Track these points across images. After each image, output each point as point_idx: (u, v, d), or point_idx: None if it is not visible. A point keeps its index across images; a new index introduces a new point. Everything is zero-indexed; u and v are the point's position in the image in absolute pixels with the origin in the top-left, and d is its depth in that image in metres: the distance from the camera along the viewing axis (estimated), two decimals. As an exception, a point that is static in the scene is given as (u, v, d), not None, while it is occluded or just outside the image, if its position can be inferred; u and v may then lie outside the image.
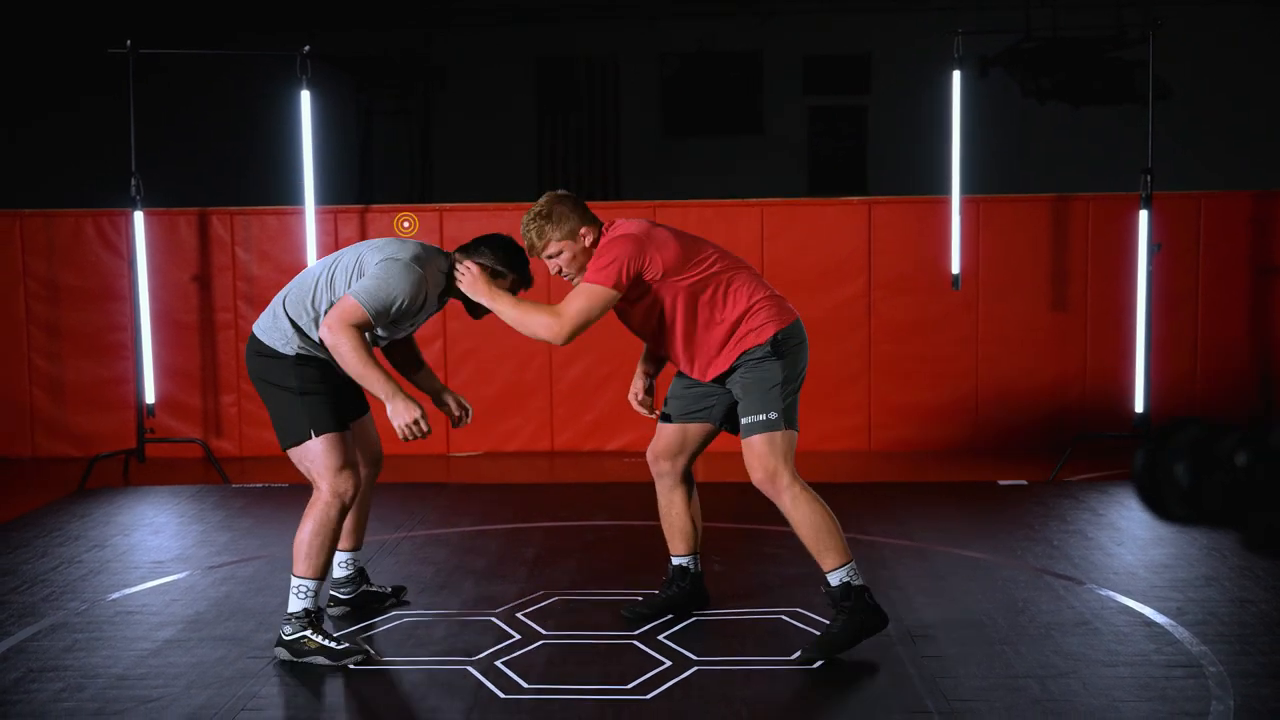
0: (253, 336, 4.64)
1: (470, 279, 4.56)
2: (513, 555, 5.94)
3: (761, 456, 4.44)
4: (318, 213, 8.37)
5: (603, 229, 4.57)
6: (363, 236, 8.62)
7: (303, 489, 6.10)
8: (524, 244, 4.60)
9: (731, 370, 4.56)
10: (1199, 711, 3.96)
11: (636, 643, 4.66)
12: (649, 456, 4.89)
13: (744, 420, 4.49)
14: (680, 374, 4.80)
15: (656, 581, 5.39)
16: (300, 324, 4.54)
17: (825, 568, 4.49)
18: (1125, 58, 13.94)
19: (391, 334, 4.67)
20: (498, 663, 4.47)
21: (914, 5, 14.66)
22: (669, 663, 4.45)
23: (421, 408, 4.44)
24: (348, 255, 4.59)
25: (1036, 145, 14.16)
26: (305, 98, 8.10)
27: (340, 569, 5.04)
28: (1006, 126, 13.54)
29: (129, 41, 7.72)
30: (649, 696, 4.15)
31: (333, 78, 10.15)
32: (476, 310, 4.70)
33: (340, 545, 5.00)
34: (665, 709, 4.06)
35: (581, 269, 4.55)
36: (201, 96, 14.04)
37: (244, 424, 8.72)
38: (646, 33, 15.01)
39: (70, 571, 5.72)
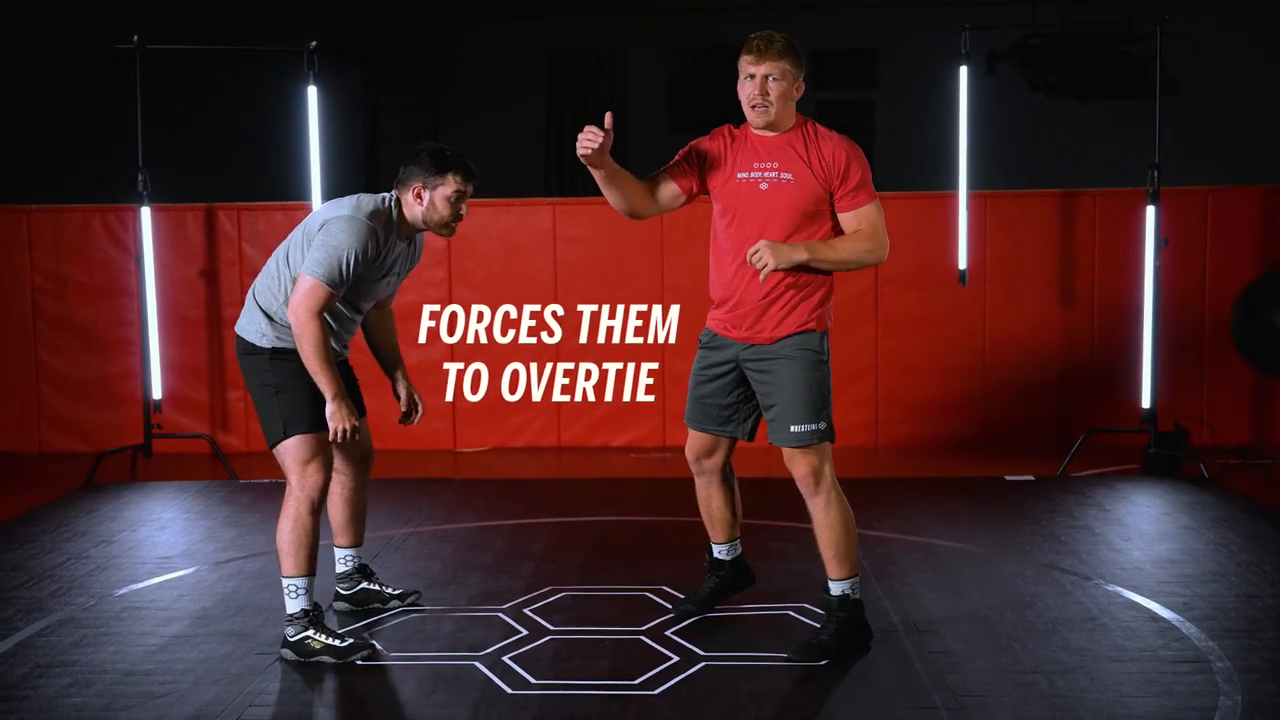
0: (236, 336, 4.66)
1: (772, 252, 4.24)
2: (519, 550, 5.94)
3: (809, 456, 4.39)
4: (324, 208, 8.37)
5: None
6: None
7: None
8: (759, 42, 4.40)
9: (778, 344, 4.40)
10: (1207, 706, 3.95)
11: (644, 638, 4.66)
12: (688, 455, 4.77)
13: (795, 428, 4.36)
14: (699, 375, 4.63)
15: (664, 577, 5.40)
16: (271, 312, 4.55)
17: (832, 575, 4.47)
18: (1134, 53, 13.91)
19: (366, 296, 4.62)
20: (505, 658, 4.47)
21: (922, 0, 14.63)
22: (676, 658, 4.44)
23: (357, 420, 4.49)
24: (297, 232, 4.59)
25: (1043, 141, 14.13)
26: (312, 93, 8.10)
27: (340, 565, 5.04)
28: (1013, 122, 13.51)
29: (136, 37, 7.72)
30: (657, 692, 4.15)
31: (341, 75, 10.15)
32: (446, 229, 4.61)
33: (338, 542, 5.01)
34: (673, 704, 4.06)
35: (779, 110, 4.38)
36: (209, 93, 14.04)
37: (251, 419, 8.70)
38: (655, 28, 14.99)
39: (77, 567, 5.73)
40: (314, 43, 8.02)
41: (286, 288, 4.51)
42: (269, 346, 4.54)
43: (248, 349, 4.60)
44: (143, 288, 8.00)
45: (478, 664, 4.42)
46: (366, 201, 4.51)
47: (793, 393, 4.38)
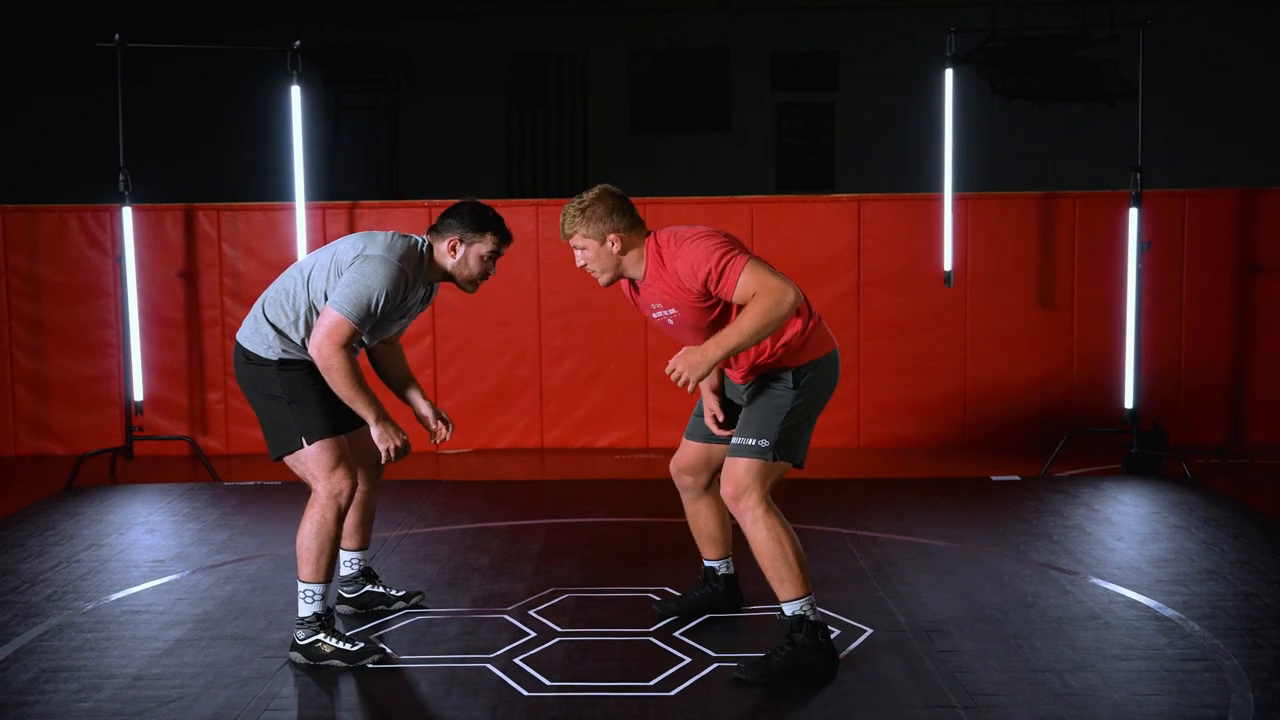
0: (238, 345, 4.62)
1: (686, 365, 4.17)
2: (517, 552, 5.93)
3: (736, 473, 4.36)
4: (306, 208, 8.31)
5: (646, 238, 4.39)
6: (352, 232, 8.56)
7: (296, 486, 6.05)
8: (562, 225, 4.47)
9: (750, 383, 4.51)
10: (1219, 704, 3.99)
11: (653, 640, 4.66)
12: (672, 469, 4.84)
13: (735, 439, 4.42)
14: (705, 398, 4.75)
15: (664, 577, 5.42)
16: (281, 327, 4.51)
17: (780, 597, 4.36)
18: (1091, 56, 14.06)
19: (380, 334, 4.62)
20: (517, 660, 4.46)
21: (882, 3, 14.72)
22: (688, 659, 4.45)
23: (405, 436, 4.50)
24: (323, 254, 4.54)
25: (1004, 143, 14.24)
26: (295, 93, 8.04)
27: (345, 568, 5.02)
28: (974, 124, 13.64)
29: (117, 36, 7.64)
30: (673, 693, 4.15)
31: (306, 71, 10.04)
32: (472, 286, 4.62)
33: (345, 545, 4.98)
34: (690, 705, 4.06)
35: (607, 271, 4.42)
36: (186, 92, 13.96)
37: (230, 421, 8.65)
38: (616, 29, 15.00)
39: (69, 570, 5.66)
40: (297, 43, 7.96)
41: (299, 307, 4.48)
42: (275, 359, 4.51)
43: (252, 359, 4.55)
44: (123, 289, 7.90)
45: (490, 666, 4.40)
46: (399, 243, 4.47)
47: (746, 410, 4.48)
